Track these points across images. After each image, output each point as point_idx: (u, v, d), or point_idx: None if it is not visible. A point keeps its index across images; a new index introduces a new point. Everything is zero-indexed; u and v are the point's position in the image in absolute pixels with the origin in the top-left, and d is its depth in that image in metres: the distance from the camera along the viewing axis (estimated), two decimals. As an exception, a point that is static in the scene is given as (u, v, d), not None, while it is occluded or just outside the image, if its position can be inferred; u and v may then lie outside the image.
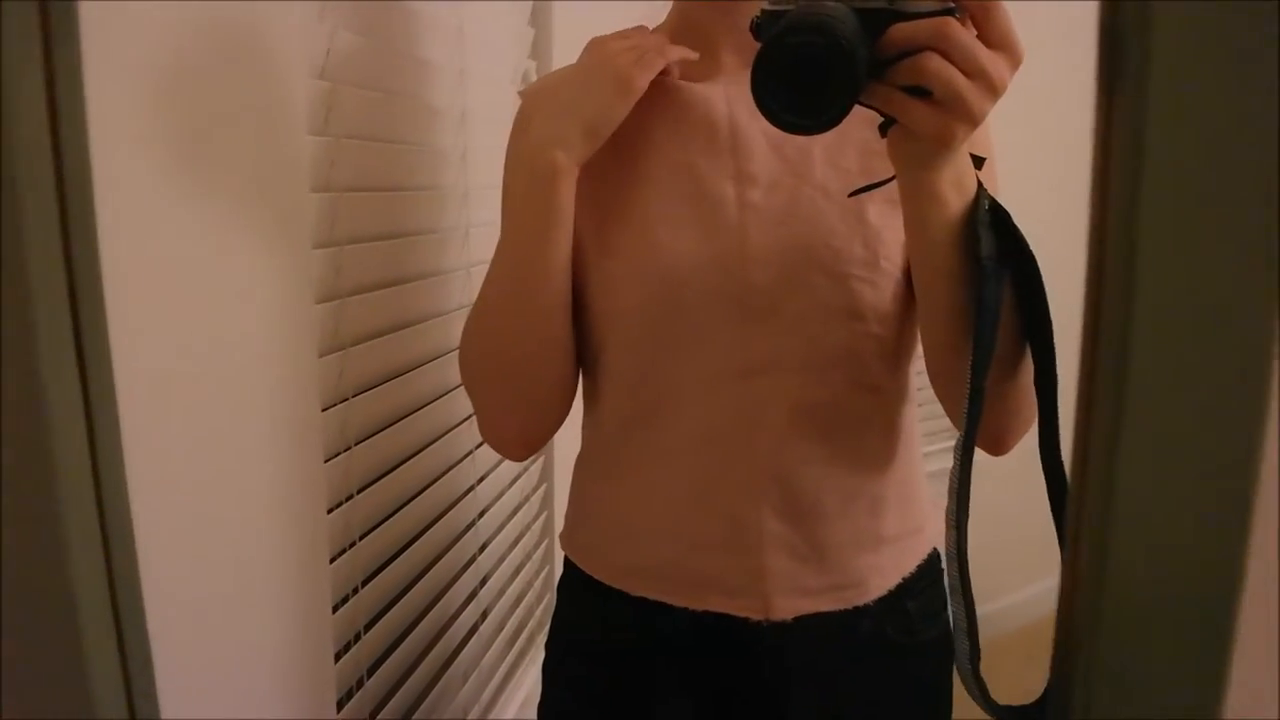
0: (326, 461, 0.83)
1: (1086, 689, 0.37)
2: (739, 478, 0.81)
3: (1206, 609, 0.35)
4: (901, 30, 0.59)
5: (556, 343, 0.83)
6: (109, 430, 0.46)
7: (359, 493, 0.91)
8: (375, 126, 0.95)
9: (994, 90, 0.61)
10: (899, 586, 0.85)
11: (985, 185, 0.71)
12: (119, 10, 0.54)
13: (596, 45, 0.81)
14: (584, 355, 0.88)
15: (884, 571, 0.85)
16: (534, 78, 1.35)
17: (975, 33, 0.61)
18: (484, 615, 1.25)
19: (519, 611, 1.39)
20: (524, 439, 0.90)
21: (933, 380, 0.80)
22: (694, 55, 0.82)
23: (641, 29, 0.84)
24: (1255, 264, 0.32)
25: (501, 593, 1.32)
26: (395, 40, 0.99)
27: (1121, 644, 0.36)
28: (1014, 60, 0.61)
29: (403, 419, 1.01)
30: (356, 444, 0.91)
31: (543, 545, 1.49)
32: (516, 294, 0.81)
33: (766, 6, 0.62)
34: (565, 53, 1.37)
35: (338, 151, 0.85)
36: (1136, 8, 0.31)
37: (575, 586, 0.92)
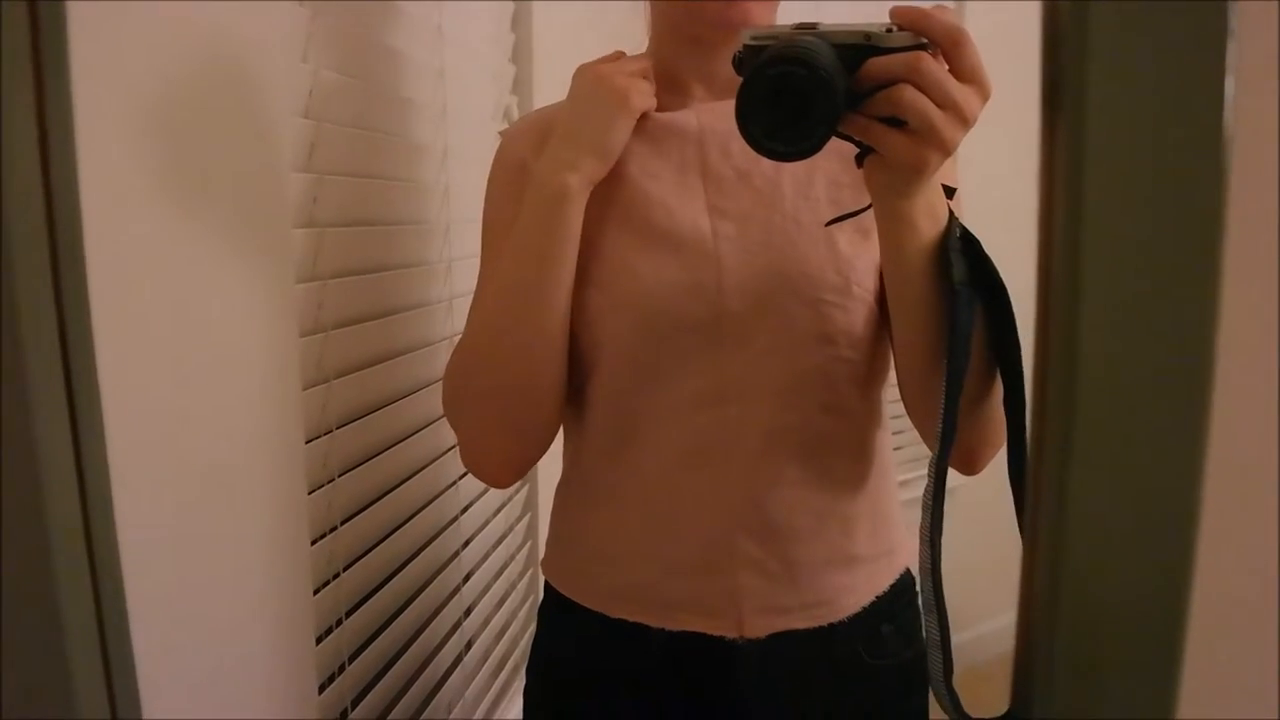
0: (310, 493, 0.84)
1: (1046, 704, 0.38)
2: (713, 500, 0.82)
3: (1156, 626, 0.36)
4: (877, 64, 0.62)
5: (555, 364, 0.83)
6: (97, 460, 0.47)
7: (342, 524, 0.92)
8: (358, 163, 0.96)
9: (965, 121, 0.63)
10: (872, 607, 0.87)
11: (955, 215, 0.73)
12: (108, 52, 0.56)
13: (587, 70, 0.83)
14: (567, 382, 0.90)
15: (856, 590, 0.86)
16: (515, 115, 1.37)
17: (947, 67, 0.63)
18: (468, 646, 1.25)
19: (504, 643, 1.39)
20: (512, 465, 0.90)
21: (906, 402, 0.83)
22: (653, 88, 0.85)
23: (621, 54, 0.87)
24: (1195, 280, 0.34)
25: (486, 623, 1.32)
26: (378, 79, 1.01)
27: (1077, 660, 0.37)
28: (983, 93, 0.64)
29: (386, 450, 1.02)
30: (340, 476, 0.91)
31: (527, 576, 1.49)
32: (522, 316, 0.82)
33: (748, 41, 0.64)
34: (546, 90, 1.40)
35: (321, 187, 0.87)
36: (1073, 33, 0.33)
37: (555, 611, 0.93)
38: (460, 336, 0.89)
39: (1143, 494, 0.36)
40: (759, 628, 0.83)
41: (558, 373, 0.84)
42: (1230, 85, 0.31)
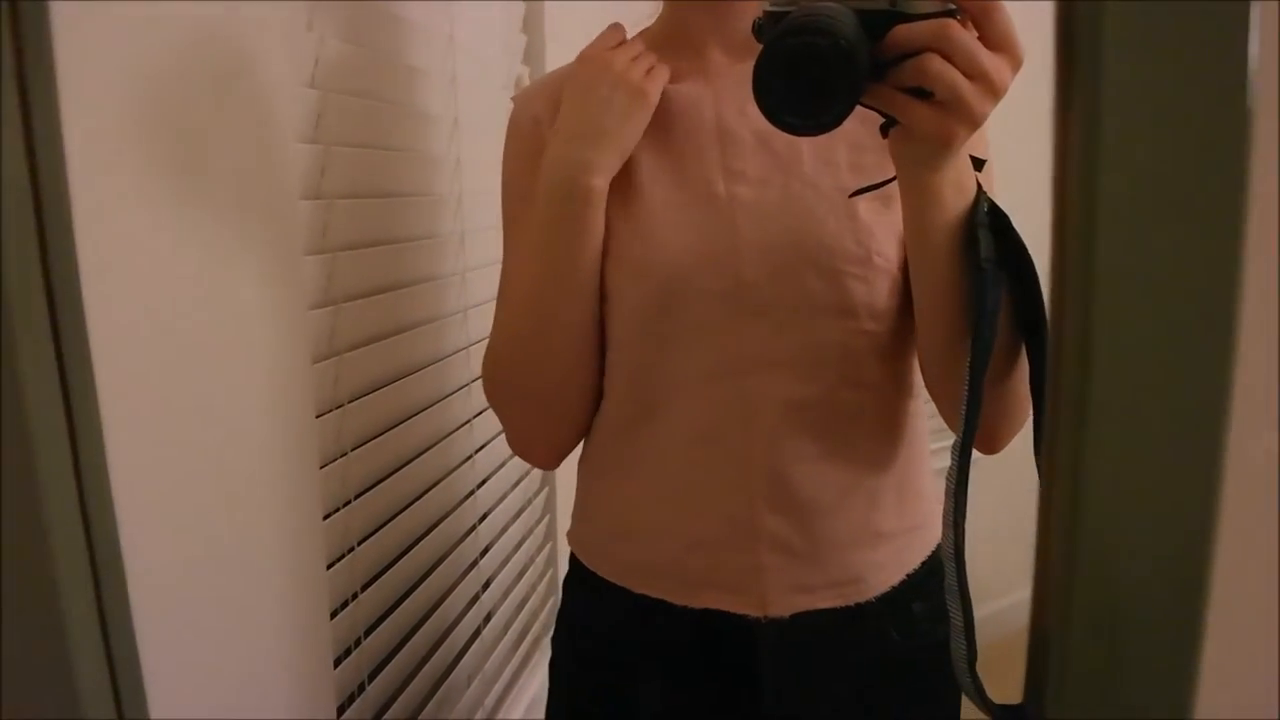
0: (322, 468, 0.84)
1: (1059, 695, 0.37)
2: (733, 474, 0.81)
3: (1174, 611, 0.35)
4: (903, 31, 0.59)
5: (589, 358, 0.85)
6: (92, 447, 0.47)
7: (356, 499, 0.92)
8: (366, 134, 0.95)
9: (995, 92, 0.61)
10: (903, 585, 0.84)
11: (984, 188, 0.71)
12: (100, 25, 0.54)
13: (598, 61, 0.81)
14: None
15: (884, 568, 0.84)
16: (526, 83, 1.35)
17: (976, 34, 0.60)
18: (487, 619, 1.25)
19: (523, 615, 1.40)
20: (556, 451, 0.93)
21: (926, 379, 0.81)
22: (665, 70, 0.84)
23: (620, 32, 0.85)
24: (1213, 265, 0.32)
25: (505, 596, 1.32)
26: (385, 48, 1.00)
27: (1091, 647, 0.36)
28: (1015, 62, 0.61)
29: (400, 424, 1.02)
30: (353, 450, 0.91)
31: (546, 549, 1.49)
32: (553, 320, 0.83)
33: (768, 8, 0.62)
34: (558, 58, 1.37)
35: (328, 159, 0.86)
36: (1088, 11, 0.31)
37: (579, 583, 0.93)
38: (492, 326, 0.89)
39: (1160, 483, 0.34)
40: (783, 606, 0.81)
41: (594, 364, 0.86)
42: (1255, 42, 0.28)
